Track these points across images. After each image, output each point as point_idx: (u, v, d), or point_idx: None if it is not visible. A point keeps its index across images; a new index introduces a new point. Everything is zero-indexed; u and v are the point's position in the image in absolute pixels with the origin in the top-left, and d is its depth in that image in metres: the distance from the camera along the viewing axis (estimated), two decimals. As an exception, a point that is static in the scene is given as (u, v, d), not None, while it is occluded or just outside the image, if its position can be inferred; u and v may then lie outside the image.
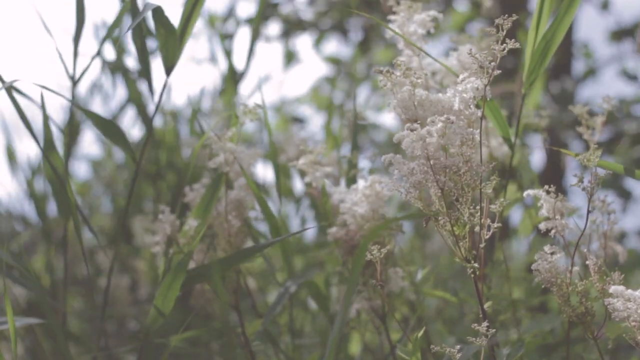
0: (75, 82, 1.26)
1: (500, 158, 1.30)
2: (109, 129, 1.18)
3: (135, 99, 1.52)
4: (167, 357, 1.02)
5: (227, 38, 1.96)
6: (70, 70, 1.27)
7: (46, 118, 1.15)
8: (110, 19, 1.41)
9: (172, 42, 1.14)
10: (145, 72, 1.21)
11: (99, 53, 1.27)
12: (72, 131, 1.78)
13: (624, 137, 2.44)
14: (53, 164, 1.14)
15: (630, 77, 2.67)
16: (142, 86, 1.73)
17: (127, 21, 1.81)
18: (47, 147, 1.15)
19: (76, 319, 1.91)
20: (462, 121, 0.85)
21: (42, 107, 1.14)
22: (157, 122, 2.06)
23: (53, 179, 1.17)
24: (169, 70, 1.17)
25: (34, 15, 1.27)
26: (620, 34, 2.80)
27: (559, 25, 0.98)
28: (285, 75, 3.36)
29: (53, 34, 1.26)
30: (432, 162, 0.84)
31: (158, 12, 1.09)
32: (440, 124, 0.83)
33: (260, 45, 4.24)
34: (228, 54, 1.81)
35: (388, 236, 1.15)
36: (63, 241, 1.25)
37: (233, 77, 1.76)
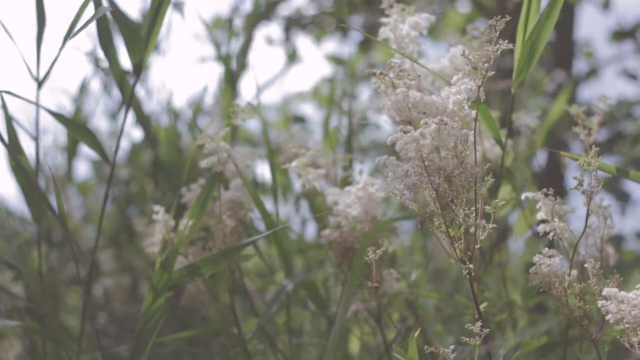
0: (40, 83, 1.26)
1: (493, 159, 1.30)
2: (84, 134, 1.18)
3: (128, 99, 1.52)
4: (160, 355, 1.02)
5: (225, 39, 1.95)
6: (34, 72, 1.26)
7: (9, 120, 1.14)
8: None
9: (137, 43, 1.14)
10: (115, 74, 1.21)
11: (59, 54, 1.26)
12: (72, 135, 1.78)
13: (624, 138, 2.43)
14: (21, 166, 1.14)
15: (631, 76, 2.66)
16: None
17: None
18: (13, 148, 1.15)
19: (74, 318, 1.91)
20: (456, 123, 0.85)
21: (4, 108, 1.14)
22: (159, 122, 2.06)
23: (22, 180, 1.17)
24: (136, 70, 1.17)
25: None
26: (621, 34, 2.79)
27: (544, 25, 0.98)
28: (287, 74, 3.36)
29: (23, 35, 1.26)
30: (426, 163, 0.84)
31: (117, 13, 1.10)
32: (433, 126, 0.83)
33: (261, 45, 4.24)
34: (224, 56, 1.80)
35: (382, 237, 1.15)
36: (37, 242, 1.25)
37: (230, 78, 1.76)
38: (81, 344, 1.16)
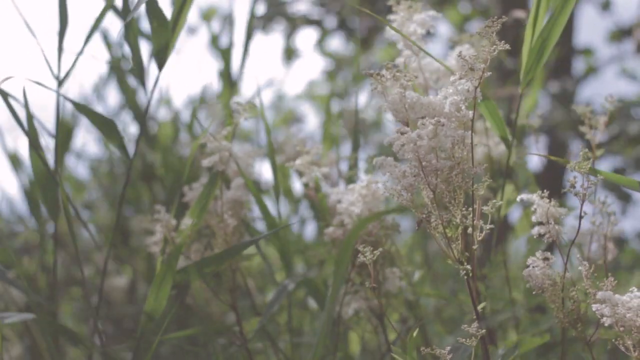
0: (60, 81, 1.26)
1: (498, 158, 1.30)
2: (105, 126, 1.18)
3: (129, 98, 1.51)
4: (159, 354, 1.03)
5: (223, 35, 1.94)
6: (55, 71, 1.25)
7: (30, 116, 1.15)
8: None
9: (165, 35, 1.13)
10: (137, 68, 1.20)
11: (82, 52, 1.26)
12: (64, 131, 1.78)
13: (622, 137, 2.43)
14: (42, 161, 1.14)
15: (630, 75, 2.66)
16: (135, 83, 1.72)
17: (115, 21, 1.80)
18: (33, 144, 1.15)
19: (74, 318, 1.91)
20: (453, 123, 0.85)
21: (25, 104, 1.14)
22: (157, 122, 2.06)
23: (41, 177, 1.17)
24: (161, 63, 1.16)
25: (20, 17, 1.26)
26: (620, 34, 2.79)
27: (555, 23, 0.97)
28: (285, 72, 3.36)
29: (42, 34, 1.26)
30: (423, 164, 0.84)
31: (151, 3, 1.09)
32: (430, 127, 0.83)
33: (260, 41, 4.24)
34: (223, 53, 1.79)
35: (385, 236, 1.15)
36: (54, 241, 1.25)
37: (229, 76, 1.75)
38: (92, 343, 1.16)
